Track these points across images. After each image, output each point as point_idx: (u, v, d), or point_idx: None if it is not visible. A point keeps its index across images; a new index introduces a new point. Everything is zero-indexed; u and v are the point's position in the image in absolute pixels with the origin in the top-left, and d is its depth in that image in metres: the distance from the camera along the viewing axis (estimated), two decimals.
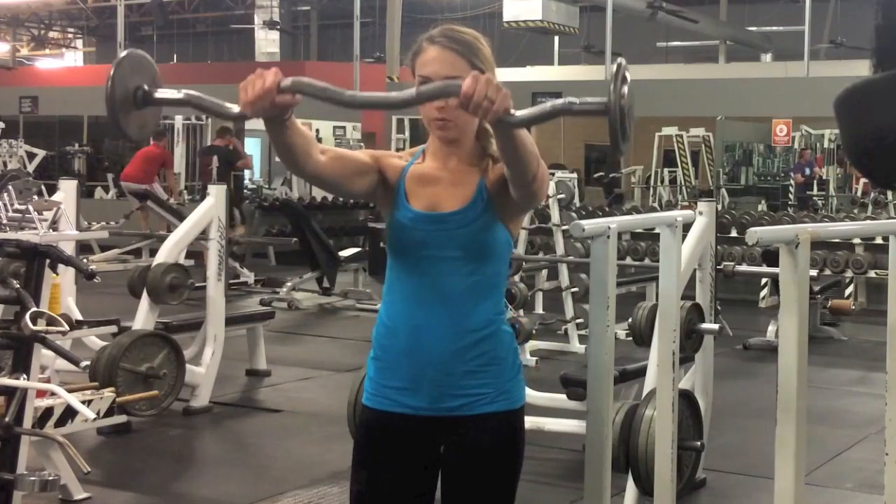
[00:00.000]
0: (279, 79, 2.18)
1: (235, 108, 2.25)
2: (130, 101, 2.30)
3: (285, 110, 2.22)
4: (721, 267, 7.80)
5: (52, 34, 33.10)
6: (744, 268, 9.33)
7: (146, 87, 2.31)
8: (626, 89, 2.15)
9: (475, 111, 2.12)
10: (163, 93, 2.31)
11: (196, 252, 8.58)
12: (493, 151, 2.51)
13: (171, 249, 6.62)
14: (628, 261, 11.03)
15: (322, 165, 2.42)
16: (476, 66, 2.48)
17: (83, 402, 4.54)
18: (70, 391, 4.51)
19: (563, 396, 5.45)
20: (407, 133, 15.86)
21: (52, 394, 4.40)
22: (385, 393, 2.53)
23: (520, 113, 2.16)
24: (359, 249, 11.96)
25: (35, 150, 16.46)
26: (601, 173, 17.76)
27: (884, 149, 2.36)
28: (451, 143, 2.52)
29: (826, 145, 16.56)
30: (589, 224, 3.28)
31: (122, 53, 2.35)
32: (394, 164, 2.56)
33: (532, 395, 5.16)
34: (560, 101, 2.17)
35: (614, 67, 2.18)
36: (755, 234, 3.10)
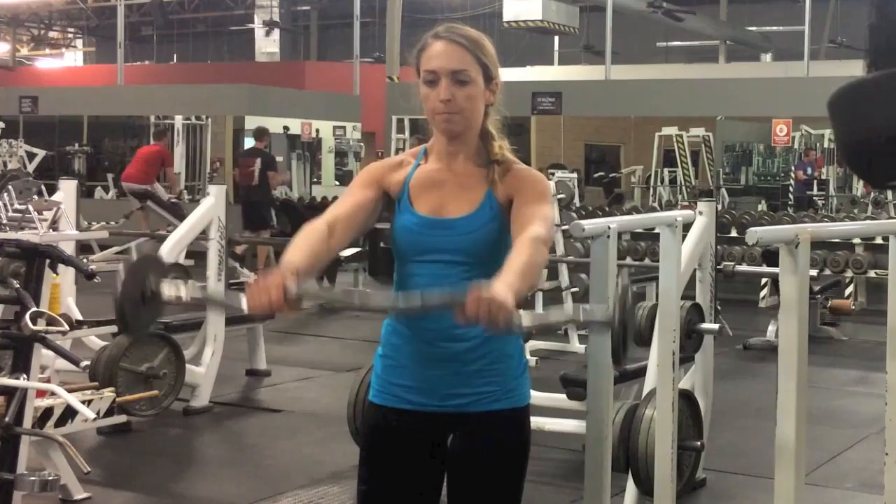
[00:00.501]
0: (283, 294, 2.19)
1: (245, 305, 2.26)
2: (139, 302, 2.35)
3: (295, 310, 2.25)
4: (721, 267, 7.79)
5: (52, 34, 33.07)
6: (744, 268, 9.32)
7: (154, 288, 2.35)
8: (629, 303, 2.22)
9: (481, 325, 2.16)
10: (170, 293, 2.34)
11: (198, 252, 8.58)
12: (497, 156, 2.51)
13: (171, 249, 6.62)
14: (628, 261, 11.02)
15: (338, 244, 2.44)
16: (481, 62, 2.48)
17: (83, 402, 4.54)
18: (70, 391, 4.51)
19: (563, 396, 5.45)
20: (407, 133, 15.86)
21: (52, 394, 4.40)
22: (392, 390, 2.54)
23: (526, 319, 2.18)
24: (359, 249, 11.95)
25: (35, 150, 16.46)
26: (601, 173, 17.76)
27: (876, 147, 2.37)
28: (456, 139, 2.51)
29: (826, 145, 16.55)
30: (589, 224, 3.29)
31: (134, 257, 2.36)
32: (396, 180, 2.55)
33: (532, 395, 5.15)
34: (566, 311, 2.32)
35: (619, 289, 2.25)
36: (755, 234, 3.10)
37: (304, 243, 2.37)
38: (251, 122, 16.57)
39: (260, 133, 14.12)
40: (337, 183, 18.19)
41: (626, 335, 2.23)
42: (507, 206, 2.48)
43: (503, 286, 2.15)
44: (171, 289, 2.33)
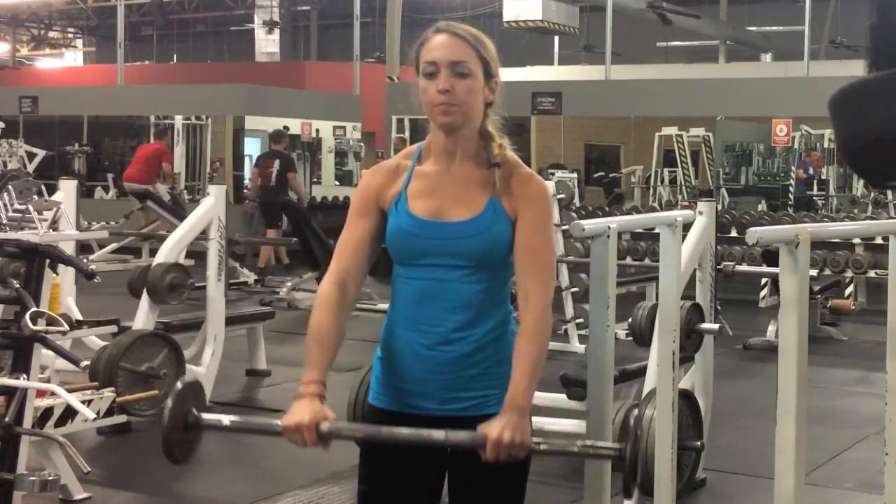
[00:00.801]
0: (315, 438, 2.35)
1: (280, 428, 2.40)
2: (181, 428, 2.45)
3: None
4: (721, 267, 7.80)
5: (52, 34, 33.09)
6: (744, 268, 9.33)
7: (195, 414, 2.46)
8: (640, 434, 2.36)
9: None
10: (210, 421, 2.47)
11: (197, 252, 8.58)
12: (498, 157, 2.48)
13: (171, 249, 6.62)
14: (628, 261, 11.02)
15: (353, 298, 2.53)
16: (482, 56, 2.46)
17: (83, 402, 4.54)
18: (70, 391, 4.51)
19: (563, 396, 5.44)
20: (407, 133, 15.86)
21: (52, 394, 4.40)
22: (392, 393, 2.53)
23: (543, 446, 2.39)
24: None
25: (35, 150, 16.45)
26: (601, 173, 17.75)
27: (877, 148, 2.36)
28: (454, 133, 2.47)
29: (826, 145, 16.54)
30: (589, 224, 3.28)
31: (178, 385, 2.47)
32: (392, 193, 2.52)
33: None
34: (579, 444, 2.43)
35: (632, 421, 2.37)
36: (755, 234, 3.10)
37: (322, 341, 2.44)
38: (251, 123, 16.57)
39: (277, 136, 14.32)
40: (337, 183, 18.19)
41: (636, 466, 2.31)
42: (512, 217, 2.46)
43: (518, 417, 2.32)
44: (211, 417, 2.47)
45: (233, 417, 2.51)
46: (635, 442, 2.31)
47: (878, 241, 9.81)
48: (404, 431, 2.42)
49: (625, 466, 2.30)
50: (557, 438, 2.42)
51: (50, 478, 3.84)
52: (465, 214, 2.46)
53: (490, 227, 2.45)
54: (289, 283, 11.14)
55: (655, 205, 15.87)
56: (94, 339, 6.53)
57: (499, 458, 2.30)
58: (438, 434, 2.37)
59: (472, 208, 2.46)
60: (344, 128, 18.09)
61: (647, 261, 10.85)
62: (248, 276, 12.26)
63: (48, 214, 6.39)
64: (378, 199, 2.53)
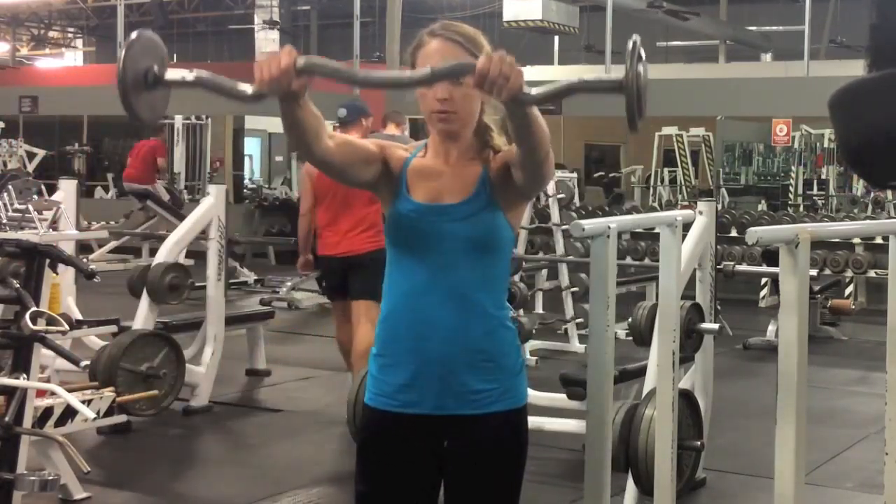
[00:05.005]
0: (294, 58, 2.17)
1: (250, 89, 2.24)
2: (141, 83, 2.27)
3: (300, 90, 2.23)
4: (721, 267, 7.80)
5: (52, 34, 33.07)
6: (744, 268, 9.33)
7: (156, 69, 2.28)
8: (641, 67, 2.14)
9: (490, 89, 2.11)
10: (173, 74, 2.29)
11: (197, 252, 8.57)
12: (495, 144, 2.52)
13: (171, 249, 6.62)
14: (628, 261, 11.02)
15: (331, 150, 2.41)
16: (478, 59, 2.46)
17: (83, 402, 4.54)
18: (70, 391, 4.51)
19: (563, 396, 5.45)
20: (407, 132, 15.85)
21: (52, 393, 4.40)
22: (388, 392, 2.52)
23: (534, 90, 2.14)
24: None
25: (35, 150, 16.45)
26: (601, 173, 17.77)
27: (877, 148, 2.36)
28: (451, 138, 2.51)
29: (826, 145, 16.55)
30: (589, 224, 3.28)
31: (133, 35, 2.30)
32: (398, 155, 2.56)
33: (532, 395, 5.12)
34: (575, 78, 2.16)
35: (630, 45, 2.17)
36: (755, 234, 3.10)
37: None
38: (251, 123, 16.57)
39: None
40: None
41: (640, 97, 2.18)
42: (500, 174, 2.47)
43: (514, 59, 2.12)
44: (173, 72, 2.28)
45: (199, 74, 2.31)
46: (635, 75, 2.16)
47: (878, 240, 9.81)
48: (383, 73, 2.30)
49: (628, 94, 2.15)
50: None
51: (50, 478, 3.84)
52: (460, 197, 2.48)
53: (485, 207, 2.47)
54: (289, 283, 11.13)
55: (655, 205, 15.89)
56: (94, 339, 6.53)
57: (491, 71, 2.09)
58: (423, 71, 2.20)
59: (466, 190, 2.48)
60: None
61: (647, 261, 10.85)
62: (249, 276, 12.26)
63: (48, 214, 6.39)
64: (386, 150, 2.55)
